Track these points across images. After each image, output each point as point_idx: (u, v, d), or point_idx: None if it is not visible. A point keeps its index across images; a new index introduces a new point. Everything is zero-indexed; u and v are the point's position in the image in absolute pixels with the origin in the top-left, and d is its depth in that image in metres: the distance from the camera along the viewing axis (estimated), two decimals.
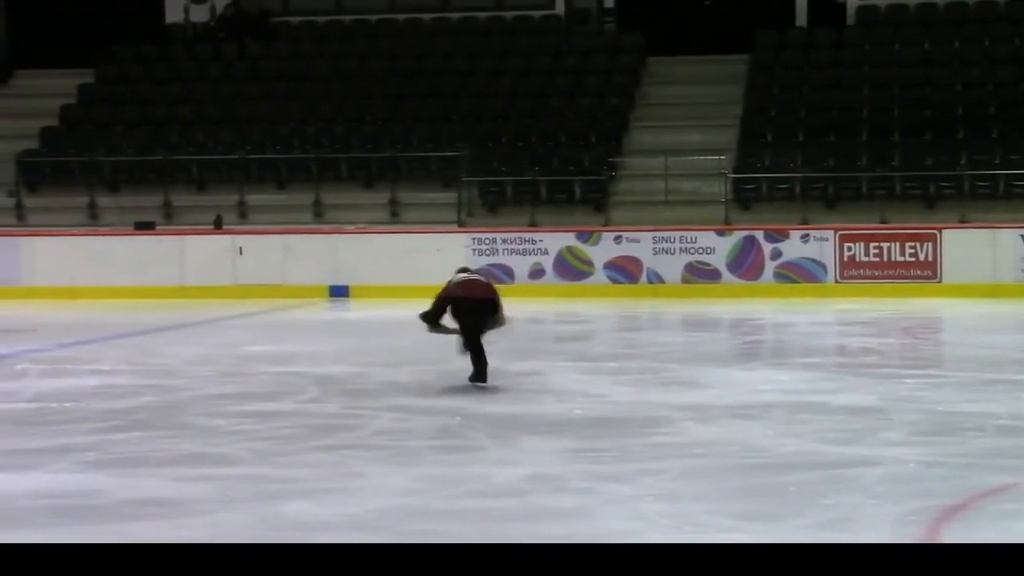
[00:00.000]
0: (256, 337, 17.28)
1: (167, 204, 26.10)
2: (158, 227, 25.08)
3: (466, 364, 11.95)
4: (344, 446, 9.21)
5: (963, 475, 7.98)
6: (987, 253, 22.29)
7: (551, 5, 31.20)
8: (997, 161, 24.60)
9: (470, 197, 25.65)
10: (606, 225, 24.37)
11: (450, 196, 25.53)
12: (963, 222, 23.48)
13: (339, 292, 23.26)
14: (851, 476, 7.97)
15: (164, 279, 23.27)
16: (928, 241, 22.41)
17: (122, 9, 31.51)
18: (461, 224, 24.90)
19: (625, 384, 12.18)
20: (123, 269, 23.41)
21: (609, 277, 22.92)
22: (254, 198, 26.15)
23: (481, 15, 31.07)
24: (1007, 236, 22.29)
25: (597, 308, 21.04)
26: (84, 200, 26.28)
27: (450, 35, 30.53)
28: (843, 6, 30.22)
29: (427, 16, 31.11)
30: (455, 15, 31.14)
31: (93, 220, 26.06)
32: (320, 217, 25.82)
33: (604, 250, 23.02)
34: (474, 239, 23.46)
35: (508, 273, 23.09)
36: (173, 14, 31.97)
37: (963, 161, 24.79)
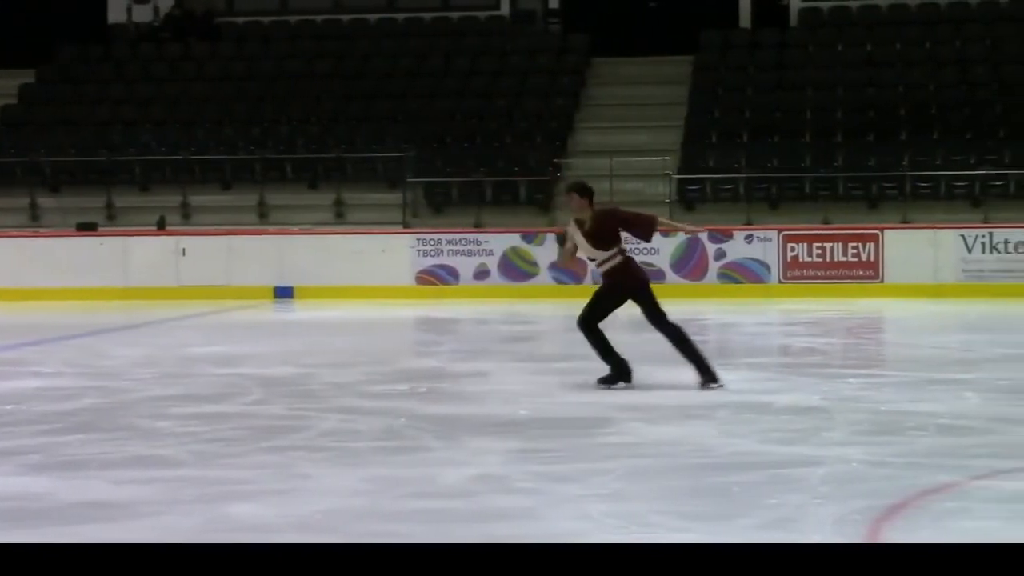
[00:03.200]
0: (201, 338, 17.20)
1: (110, 205, 25.95)
2: (101, 228, 24.91)
3: (417, 365, 11.93)
4: (290, 447, 9.17)
5: (906, 474, 8.03)
6: (928, 253, 22.48)
7: (496, 6, 31.23)
8: (938, 162, 24.81)
9: (415, 198, 25.64)
10: (551, 226, 24.40)
11: (395, 197, 25.51)
12: (905, 223, 23.67)
13: (284, 293, 23.19)
14: (795, 476, 8.02)
15: (107, 280, 23.13)
16: (870, 242, 22.58)
17: (64, 9, 31.30)
18: (406, 225, 24.89)
19: (571, 385, 12.19)
20: (65, 271, 23.25)
21: (554, 278, 22.97)
22: (198, 199, 26.03)
23: (427, 16, 31.06)
24: (948, 236, 22.49)
25: (543, 309, 21.07)
26: (25, 201, 26.10)
27: (395, 36, 30.51)
28: (786, 7, 30.40)
29: (372, 17, 31.07)
30: (400, 16, 31.11)
31: (34, 221, 25.89)
32: (265, 218, 25.74)
33: (549, 251, 23.03)
34: (419, 240, 23.45)
35: (453, 274, 23.11)
36: (116, 14, 31.79)
37: (905, 162, 24.99)
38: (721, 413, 10.44)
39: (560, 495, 7.63)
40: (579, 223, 11.80)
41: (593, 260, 12.07)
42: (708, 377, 11.63)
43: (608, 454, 8.78)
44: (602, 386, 11.71)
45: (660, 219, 12.13)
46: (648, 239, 12.36)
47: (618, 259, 11.72)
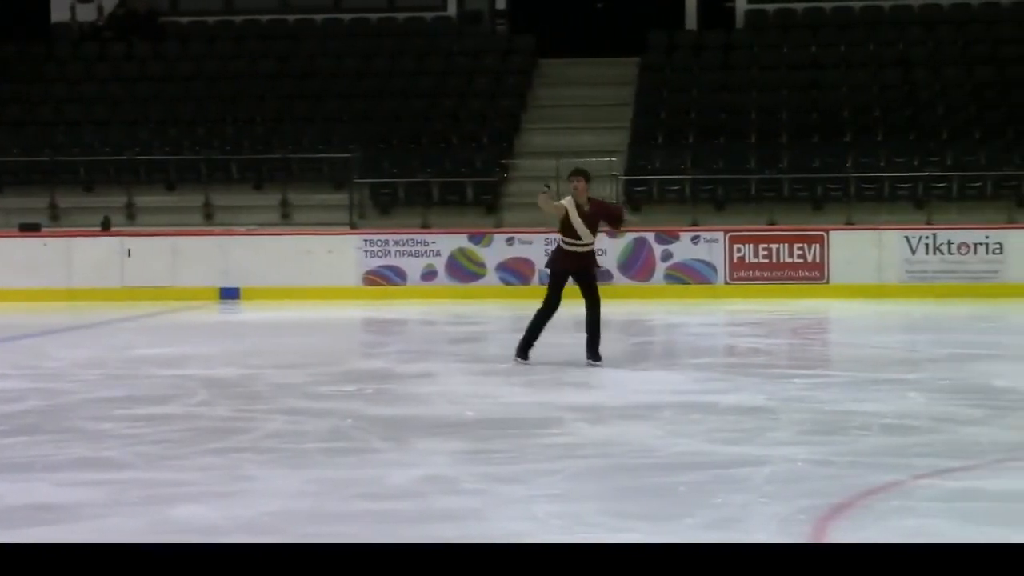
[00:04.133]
0: (145, 340, 17.10)
1: (53, 206, 25.76)
2: (44, 229, 24.71)
3: (363, 366, 11.91)
4: (235, 449, 9.15)
5: (850, 474, 8.09)
6: (873, 254, 22.63)
7: (443, 7, 31.21)
8: (882, 164, 24.98)
9: (362, 199, 25.59)
10: (498, 227, 24.43)
11: (341, 198, 25.45)
12: (849, 224, 23.82)
13: (229, 294, 23.09)
14: (740, 476, 8.06)
15: (51, 281, 22.95)
16: (815, 243, 22.71)
17: (6, 8, 31.04)
18: (353, 226, 24.83)
19: (518, 385, 12.22)
20: (8, 272, 23.05)
21: (501, 279, 22.98)
22: (142, 200, 25.89)
23: (373, 16, 31.00)
24: (892, 237, 22.64)
25: (489, 310, 21.08)
26: None
27: (341, 36, 30.44)
28: (732, 9, 30.53)
29: (318, 17, 31.00)
30: (346, 16, 31.04)
31: None
32: (210, 219, 25.62)
33: (496, 252, 23.08)
34: (366, 241, 23.40)
35: (400, 275, 23.07)
36: (59, 13, 31.56)
37: (849, 164, 25.15)
38: (666, 413, 10.49)
39: (506, 496, 7.65)
40: (579, 206, 13.14)
41: (579, 241, 13.20)
42: (593, 355, 13.35)
43: (554, 455, 8.80)
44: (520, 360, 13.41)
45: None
46: (617, 228, 13.92)
47: (594, 246, 13.35)
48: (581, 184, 13.16)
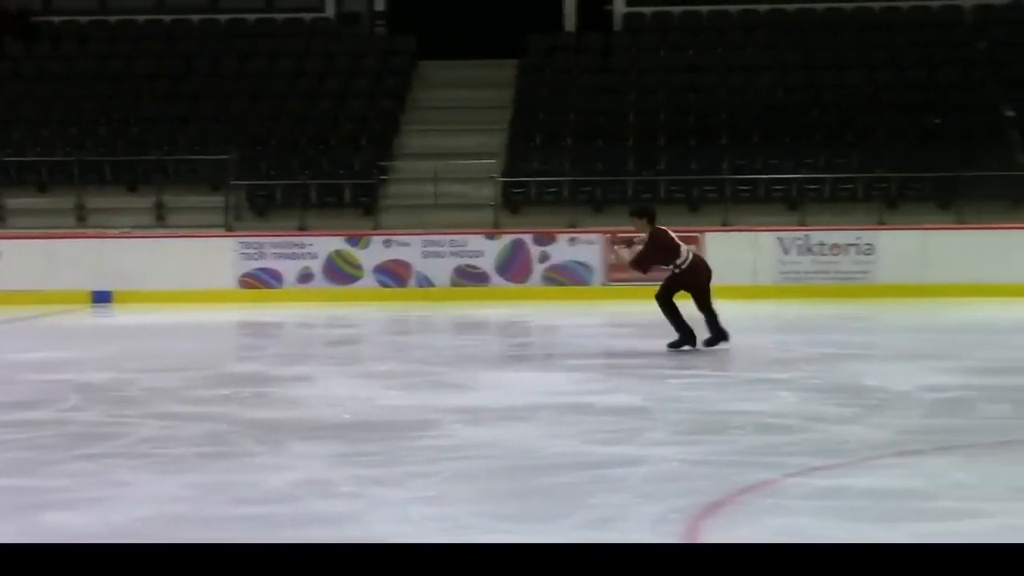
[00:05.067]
0: (16, 344, 16.84)
1: None
2: None
3: (239, 369, 11.80)
4: (108, 454, 9.02)
5: (724, 472, 8.17)
6: (748, 256, 22.90)
7: (321, 8, 31.07)
8: (758, 166, 25.28)
9: (238, 201, 25.38)
10: (376, 229, 24.36)
11: (217, 200, 25.23)
12: (725, 225, 24.07)
13: (102, 298, 22.80)
14: (616, 476, 8.10)
15: None
16: (691, 244, 22.86)
17: None
18: (228, 228, 24.63)
19: (395, 388, 12.19)
20: None
21: (379, 281, 22.93)
22: (13, 202, 25.45)
23: (250, 17, 30.78)
24: (767, 239, 22.94)
25: (367, 312, 21.03)
26: None
27: (218, 37, 30.18)
28: (610, 12, 30.71)
29: (195, 17, 30.70)
30: (223, 17, 30.78)
31: None
32: (83, 221, 25.24)
33: (374, 254, 23.02)
34: (242, 243, 23.23)
35: (276, 277, 22.95)
36: None
37: (725, 166, 25.42)
38: (544, 414, 10.52)
39: (382, 499, 7.63)
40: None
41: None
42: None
43: (430, 457, 8.79)
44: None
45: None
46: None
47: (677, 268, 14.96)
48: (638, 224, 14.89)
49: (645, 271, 15.05)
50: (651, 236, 14.66)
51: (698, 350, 14.50)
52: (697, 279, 14.66)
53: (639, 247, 15.10)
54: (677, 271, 14.61)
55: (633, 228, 15.12)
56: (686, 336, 14.61)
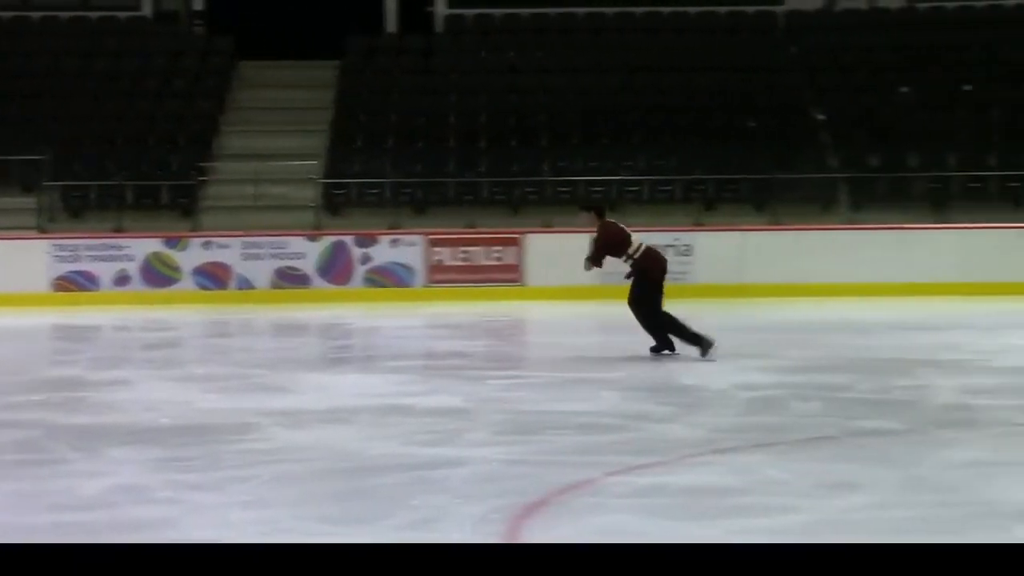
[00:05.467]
0: None
1: None
2: None
3: (54, 374, 11.55)
4: None
5: (545, 472, 8.23)
6: (568, 257, 23.04)
7: (137, 6, 30.57)
8: (578, 168, 25.50)
9: (52, 202, 24.85)
10: (195, 230, 24.05)
11: (30, 201, 24.67)
12: (546, 227, 24.23)
13: None
14: (437, 477, 8.12)
15: None
16: (513, 245, 23.05)
17: None
18: (42, 230, 24.11)
19: (214, 391, 12.05)
20: None
21: (198, 283, 22.65)
22: None
23: (64, 15, 30.16)
24: (586, 240, 23.06)
25: (185, 315, 20.75)
26: None
27: (30, 35, 29.53)
28: (431, 13, 30.72)
29: (6, 15, 29.99)
30: (36, 14, 30.12)
31: None
32: None
33: (193, 256, 22.73)
34: (56, 246, 22.77)
35: (92, 280, 22.54)
36: None
37: (546, 167, 25.60)
38: (364, 416, 10.49)
39: (200, 503, 7.55)
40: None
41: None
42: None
43: (249, 461, 8.71)
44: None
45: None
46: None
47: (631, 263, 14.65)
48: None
49: (600, 265, 14.75)
50: (601, 229, 14.44)
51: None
52: (652, 268, 14.34)
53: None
54: (630, 261, 14.33)
55: (584, 224, 14.81)
56: (665, 342, 14.15)
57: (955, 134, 26.05)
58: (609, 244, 14.40)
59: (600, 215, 14.59)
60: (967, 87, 27.10)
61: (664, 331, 14.03)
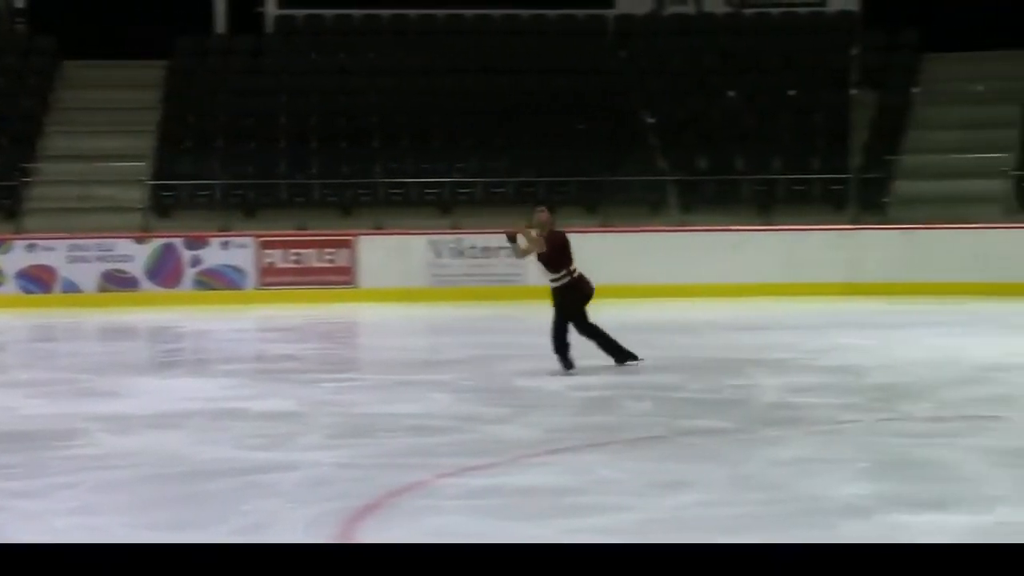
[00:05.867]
0: None
1: None
2: None
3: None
4: None
5: (377, 475, 8.20)
6: (400, 259, 23.05)
7: None
8: (410, 169, 25.47)
9: None
10: (18, 232, 23.52)
11: None
12: (378, 228, 24.16)
13: None
14: (269, 481, 8.04)
15: None
16: (345, 247, 22.95)
17: None
18: None
19: (38, 396, 11.79)
20: None
21: (22, 287, 22.17)
22: None
23: None
24: (418, 242, 23.14)
25: (8, 319, 20.28)
26: None
27: None
28: (261, 14, 30.43)
29: None
30: None
31: None
32: None
33: (16, 259, 22.25)
34: None
35: None
36: None
37: (378, 169, 25.53)
38: (195, 421, 10.36)
39: (23, 511, 7.38)
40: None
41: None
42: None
43: (75, 467, 8.54)
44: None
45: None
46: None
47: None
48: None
49: (523, 257, 14.42)
50: (559, 235, 13.67)
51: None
52: (585, 287, 13.68)
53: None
54: (567, 278, 13.61)
55: (536, 221, 13.78)
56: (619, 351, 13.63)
57: (780, 138, 26.56)
58: (563, 252, 13.70)
59: (553, 222, 13.79)
60: (791, 92, 27.63)
61: (603, 339, 13.63)
